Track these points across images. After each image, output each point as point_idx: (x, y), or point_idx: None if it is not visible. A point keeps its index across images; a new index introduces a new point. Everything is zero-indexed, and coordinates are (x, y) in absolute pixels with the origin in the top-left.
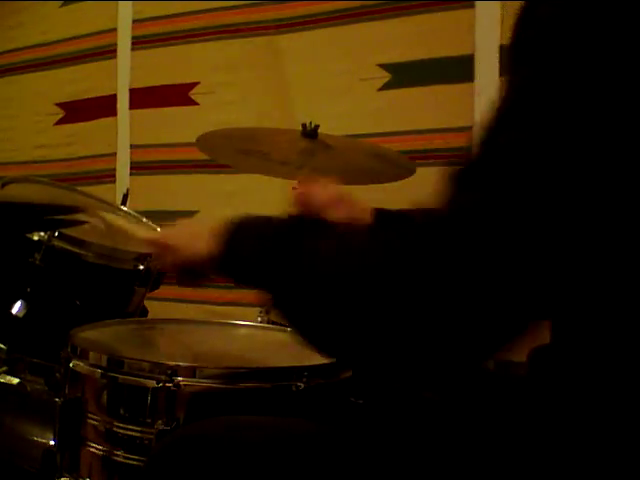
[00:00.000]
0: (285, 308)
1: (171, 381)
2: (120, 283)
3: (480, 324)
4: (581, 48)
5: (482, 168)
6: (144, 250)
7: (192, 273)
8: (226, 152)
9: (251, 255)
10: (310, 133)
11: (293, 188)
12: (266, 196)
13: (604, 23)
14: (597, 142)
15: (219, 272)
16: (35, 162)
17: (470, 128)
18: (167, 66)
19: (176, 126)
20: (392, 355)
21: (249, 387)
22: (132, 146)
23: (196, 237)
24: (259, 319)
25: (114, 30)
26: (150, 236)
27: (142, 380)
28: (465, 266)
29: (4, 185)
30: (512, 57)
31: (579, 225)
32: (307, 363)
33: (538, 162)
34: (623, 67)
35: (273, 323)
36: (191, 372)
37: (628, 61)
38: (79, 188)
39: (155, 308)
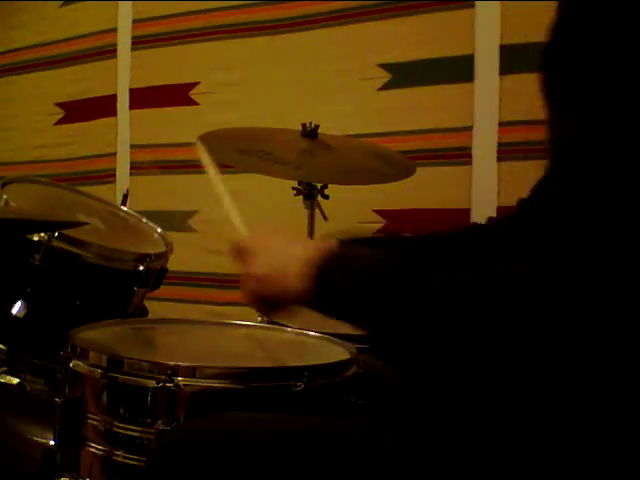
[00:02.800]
0: (393, 340)
1: (171, 381)
2: (120, 283)
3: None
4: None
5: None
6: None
7: (277, 304)
8: (226, 152)
9: (350, 289)
10: (310, 133)
11: None
12: (266, 196)
13: None
14: None
15: (312, 308)
16: (35, 162)
17: (470, 128)
18: (167, 66)
19: (176, 126)
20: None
21: (249, 387)
22: (132, 146)
23: (286, 269)
24: (259, 319)
25: (114, 30)
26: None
27: (142, 380)
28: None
29: (4, 185)
30: (559, 85)
31: None
32: (307, 363)
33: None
34: None
35: (273, 323)
36: (191, 372)
37: None
38: (79, 188)
39: (155, 308)
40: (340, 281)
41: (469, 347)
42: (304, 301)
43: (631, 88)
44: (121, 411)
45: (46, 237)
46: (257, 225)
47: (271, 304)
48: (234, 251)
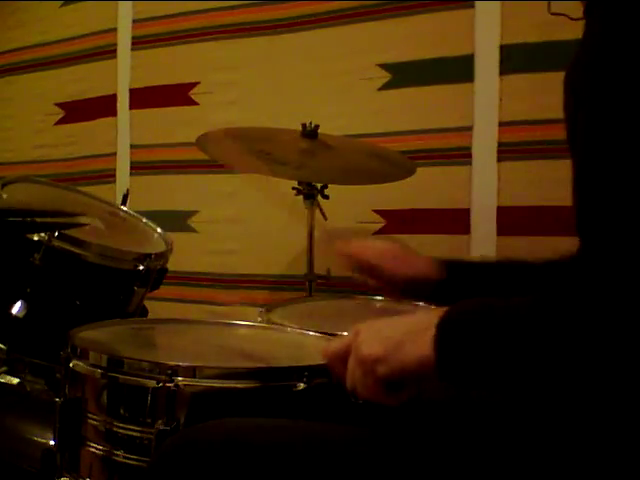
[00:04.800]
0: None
1: (171, 381)
2: (120, 283)
3: None
4: None
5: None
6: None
7: (399, 385)
8: (226, 152)
9: (489, 349)
10: (310, 133)
11: (340, 251)
12: (266, 196)
13: None
14: None
15: (440, 377)
16: (35, 162)
17: (470, 128)
18: (167, 66)
19: (176, 126)
20: None
21: (249, 387)
22: (132, 146)
23: (408, 337)
24: (259, 319)
25: (114, 30)
26: (337, 348)
27: (142, 380)
28: None
29: (4, 185)
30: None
31: None
32: (307, 363)
33: None
34: None
35: (273, 323)
36: (191, 372)
37: None
38: (79, 188)
39: (155, 308)
40: (474, 340)
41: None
42: (429, 370)
43: None
44: (121, 411)
45: (46, 237)
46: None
47: (394, 385)
48: (333, 358)
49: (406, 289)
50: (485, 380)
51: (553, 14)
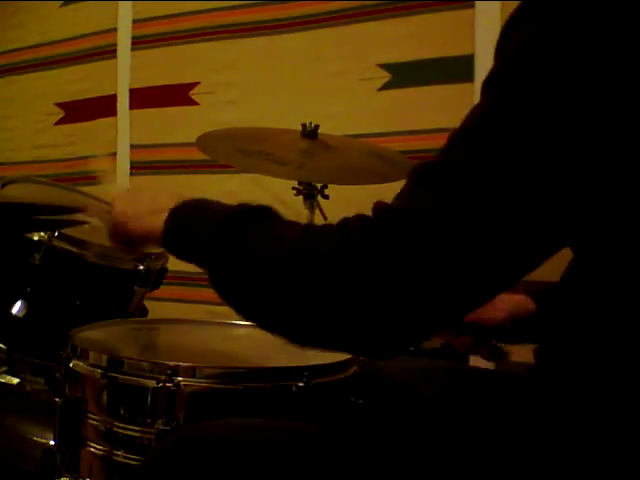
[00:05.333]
0: (218, 285)
1: (171, 381)
2: (120, 283)
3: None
4: (551, 69)
5: (445, 171)
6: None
7: (135, 242)
8: (226, 152)
9: (195, 234)
10: (310, 133)
11: None
12: (266, 196)
13: (573, 52)
14: (551, 168)
15: (163, 247)
16: (35, 162)
17: None
18: (167, 66)
19: (176, 126)
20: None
21: (249, 387)
22: (132, 146)
23: (148, 212)
24: None
25: (114, 30)
26: (102, 204)
27: (142, 380)
28: (409, 259)
29: (4, 185)
30: (487, 81)
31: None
32: (307, 363)
33: (501, 178)
34: (587, 101)
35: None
36: (191, 372)
37: (594, 93)
38: (79, 188)
39: (155, 308)
40: (187, 224)
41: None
42: (158, 240)
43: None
44: (121, 411)
45: (46, 237)
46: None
47: (130, 242)
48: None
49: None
50: (188, 260)
51: None
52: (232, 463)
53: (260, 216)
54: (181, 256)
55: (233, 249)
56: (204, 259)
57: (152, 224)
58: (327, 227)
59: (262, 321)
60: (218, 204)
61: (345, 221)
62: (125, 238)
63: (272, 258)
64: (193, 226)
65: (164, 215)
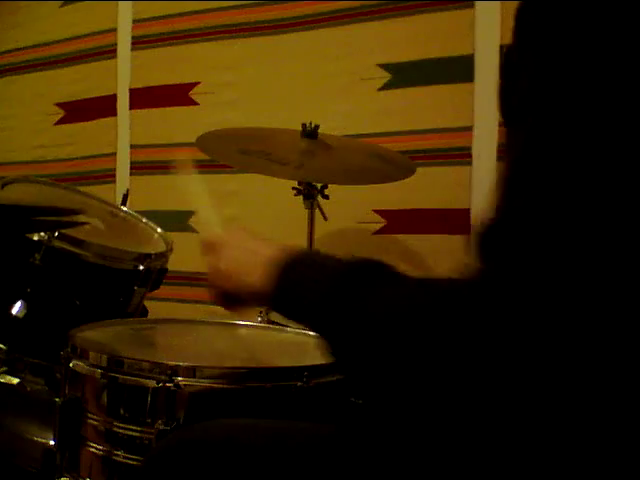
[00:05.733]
0: (336, 350)
1: (171, 381)
2: (120, 283)
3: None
4: (581, 102)
5: (503, 234)
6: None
7: (238, 300)
8: (226, 152)
9: (308, 297)
10: (310, 133)
11: None
12: (266, 196)
13: (599, 72)
14: (617, 208)
15: (271, 307)
16: (35, 162)
17: (470, 128)
18: (167, 66)
19: (176, 126)
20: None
21: (249, 387)
22: (132, 146)
23: (251, 266)
24: (259, 319)
25: (114, 30)
26: (208, 241)
27: (142, 380)
28: (489, 333)
29: (4, 185)
30: (508, 102)
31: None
32: (307, 363)
33: (555, 231)
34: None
35: (273, 323)
36: (191, 372)
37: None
38: (79, 188)
39: (155, 308)
40: (298, 285)
41: (415, 361)
42: (264, 299)
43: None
44: (121, 411)
45: (46, 237)
46: (231, 224)
47: (232, 299)
48: (204, 246)
49: None
50: (301, 322)
51: None
52: (232, 463)
53: (376, 273)
54: (288, 314)
55: (349, 310)
56: (315, 318)
57: (255, 281)
58: (445, 284)
59: (369, 378)
60: (327, 258)
61: (454, 286)
62: (228, 296)
63: (388, 326)
64: (306, 286)
65: (269, 270)
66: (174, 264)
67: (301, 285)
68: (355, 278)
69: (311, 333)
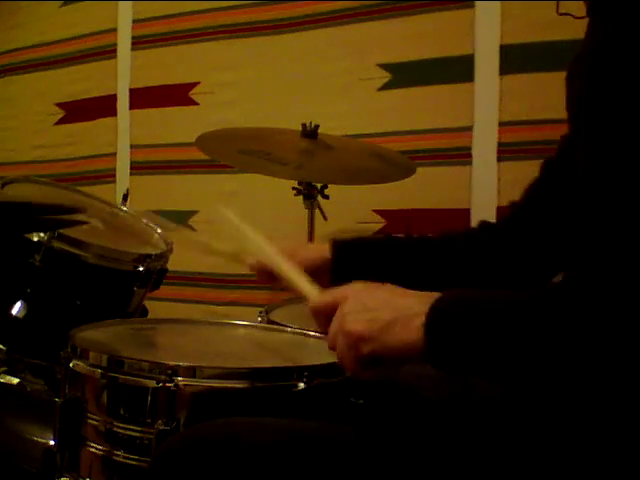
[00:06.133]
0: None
1: (171, 381)
2: (120, 283)
3: None
4: None
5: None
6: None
7: (380, 363)
8: (226, 152)
9: (484, 342)
10: (310, 133)
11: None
12: (266, 196)
13: None
14: None
15: (427, 359)
16: (35, 162)
17: (470, 128)
18: (167, 66)
19: (176, 126)
20: None
21: (249, 387)
22: (132, 146)
23: (395, 321)
24: (259, 319)
25: (114, 30)
26: (323, 304)
27: (142, 380)
28: None
29: (4, 185)
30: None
31: None
32: (307, 363)
33: None
34: None
35: (273, 323)
36: (191, 372)
37: None
38: (79, 188)
39: (155, 308)
40: (464, 332)
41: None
42: (414, 355)
43: None
44: (121, 411)
45: (46, 237)
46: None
47: (374, 362)
48: (318, 312)
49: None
50: (473, 371)
51: (561, 14)
52: (238, 462)
53: (563, 299)
54: (458, 363)
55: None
56: (501, 369)
57: (406, 336)
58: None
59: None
60: (486, 294)
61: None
62: (371, 360)
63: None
64: (479, 323)
65: (419, 320)
66: (174, 264)
67: (470, 324)
68: (535, 309)
69: (311, 333)
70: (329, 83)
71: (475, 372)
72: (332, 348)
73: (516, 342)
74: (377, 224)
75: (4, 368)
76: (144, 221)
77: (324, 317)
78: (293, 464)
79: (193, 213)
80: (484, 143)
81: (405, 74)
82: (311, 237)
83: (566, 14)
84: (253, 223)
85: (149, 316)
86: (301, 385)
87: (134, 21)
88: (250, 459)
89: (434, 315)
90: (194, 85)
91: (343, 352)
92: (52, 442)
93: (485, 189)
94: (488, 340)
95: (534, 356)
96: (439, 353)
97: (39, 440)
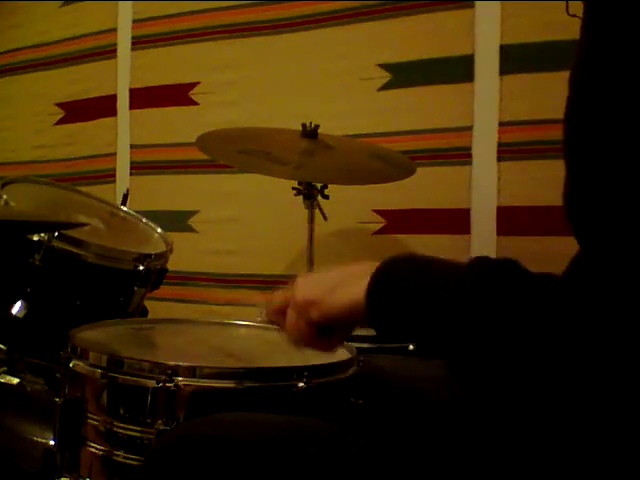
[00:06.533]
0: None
1: (171, 381)
2: (120, 283)
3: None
4: None
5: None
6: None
7: (330, 330)
8: (226, 152)
9: (425, 298)
10: (310, 133)
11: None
12: (266, 196)
13: None
14: None
15: (368, 321)
16: (35, 162)
17: (470, 128)
18: (167, 66)
19: (176, 126)
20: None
21: (249, 387)
22: (132, 146)
23: (341, 283)
24: (259, 319)
25: (114, 30)
26: (277, 302)
27: (142, 380)
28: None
29: (4, 185)
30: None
31: None
32: (307, 363)
33: None
34: None
35: (273, 323)
36: (191, 372)
37: None
38: (79, 188)
39: (155, 308)
40: (405, 295)
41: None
42: (359, 316)
43: None
44: (121, 411)
45: (46, 237)
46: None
47: (325, 331)
48: (276, 312)
49: None
50: (406, 336)
51: (572, 15)
52: (231, 459)
53: (512, 274)
54: (395, 326)
55: (501, 320)
56: (447, 330)
57: (351, 295)
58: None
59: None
60: (433, 260)
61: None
62: (319, 324)
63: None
64: (418, 288)
65: (364, 282)
66: (174, 264)
67: (411, 284)
68: (485, 279)
69: None
70: (329, 83)
71: (408, 337)
72: (289, 334)
73: (445, 314)
74: (377, 224)
75: (4, 368)
76: (144, 221)
77: (282, 315)
78: (286, 461)
79: (193, 213)
80: (484, 143)
81: (405, 74)
82: (311, 237)
83: (575, 16)
84: (253, 223)
85: (149, 316)
86: (301, 385)
87: (134, 21)
88: (243, 455)
89: (377, 276)
90: (194, 85)
91: (294, 323)
92: (52, 442)
93: (485, 189)
94: (420, 307)
95: (458, 330)
96: (377, 315)
97: (39, 440)
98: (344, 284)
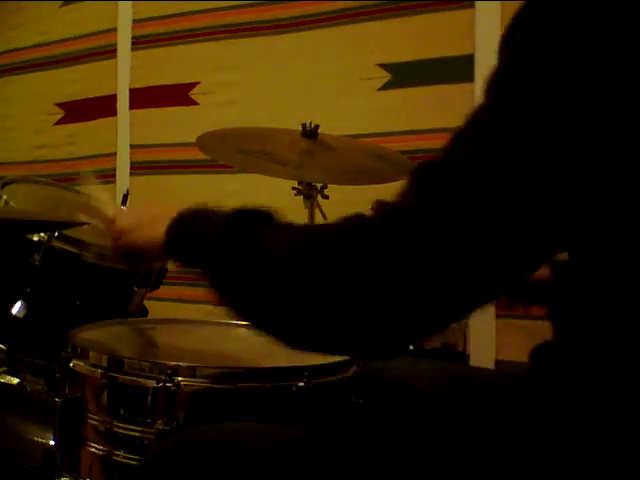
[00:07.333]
0: (217, 286)
1: (171, 381)
2: (120, 283)
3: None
4: (552, 70)
5: (449, 169)
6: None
7: (137, 257)
8: (226, 152)
9: (196, 238)
10: (310, 133)
11: None
12: (266, 196)
13: (573, 52)
14: (561, 161)
15: (166, 255)
16: (35, 162)
17: None
18: (167, 66)
19: (176, 126)
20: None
21: (249, 387)
22: (132, 146)
23: (150, 222)
24: None
25: (114, 30)
26: (108, 215)
27: (142, 380)
28: (412, 258)
29: (4, 185)
30: (490, 80)
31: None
32: (307, 363)
33: (504, 176)
34: (587, 100)
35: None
36: (191, 372)
37: (594, 93)
38: (79, 188)
39: (155, 308)
40: (188, 234)
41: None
42: (160, 248)
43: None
44: (121, 411)
45: (46, 237)
46: None
47: (132, 255)
48: (111, 223)
49: None
50: (190, 263)
51: None
52: (228, 468)
53: (259, 218)
54: (183, 261)
55: (232, 251)
56: (204, 261)
57: (153, 233)
58: (326, 227)
59: (260, 323)
60: (219, 209)
61: (345, 220)
62: (126, 251)
63: (271, 260)
64: (194, 230)
65: (165, 223)
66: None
67: (191, 233)
68: (239, 224)
69: None
70: (329, 83)
71: (191, 265)
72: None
73: (212, 254)
74: None
75: (4, 368)
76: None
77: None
78: (285, 471)
79: None
80: None
81: (405, 74)
82: None
83: None
84: None
85: (149, 316)
86: (301, 385)
87: (134, 21)
88: (241, 465)
89: (173, 220)
90: (194, 85)
91: (111, 245)
92: (52, 442)
93: None
94: (195, 244)
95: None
96: (171, 250)
97: (39, 440)
98: (150, 223)
